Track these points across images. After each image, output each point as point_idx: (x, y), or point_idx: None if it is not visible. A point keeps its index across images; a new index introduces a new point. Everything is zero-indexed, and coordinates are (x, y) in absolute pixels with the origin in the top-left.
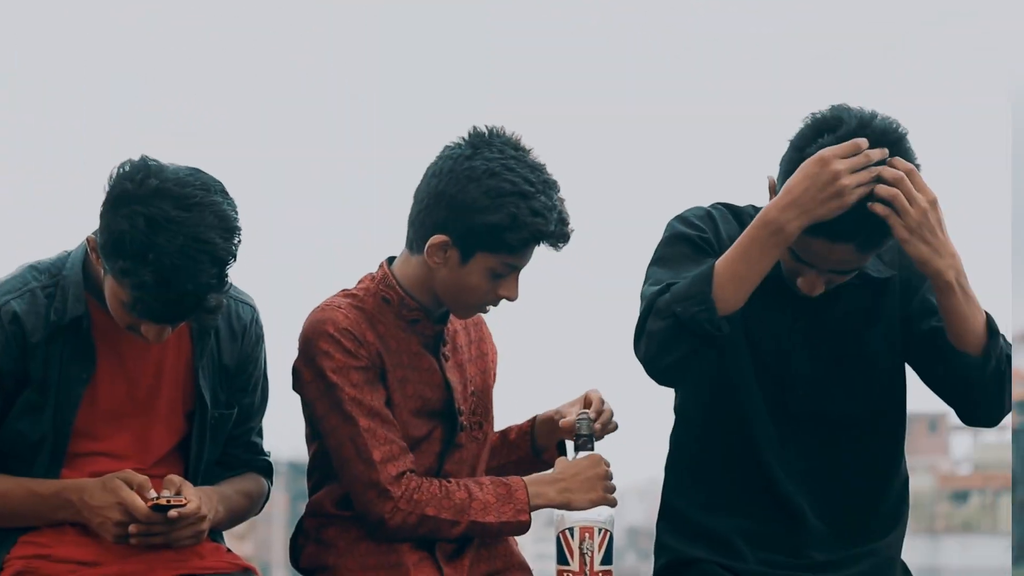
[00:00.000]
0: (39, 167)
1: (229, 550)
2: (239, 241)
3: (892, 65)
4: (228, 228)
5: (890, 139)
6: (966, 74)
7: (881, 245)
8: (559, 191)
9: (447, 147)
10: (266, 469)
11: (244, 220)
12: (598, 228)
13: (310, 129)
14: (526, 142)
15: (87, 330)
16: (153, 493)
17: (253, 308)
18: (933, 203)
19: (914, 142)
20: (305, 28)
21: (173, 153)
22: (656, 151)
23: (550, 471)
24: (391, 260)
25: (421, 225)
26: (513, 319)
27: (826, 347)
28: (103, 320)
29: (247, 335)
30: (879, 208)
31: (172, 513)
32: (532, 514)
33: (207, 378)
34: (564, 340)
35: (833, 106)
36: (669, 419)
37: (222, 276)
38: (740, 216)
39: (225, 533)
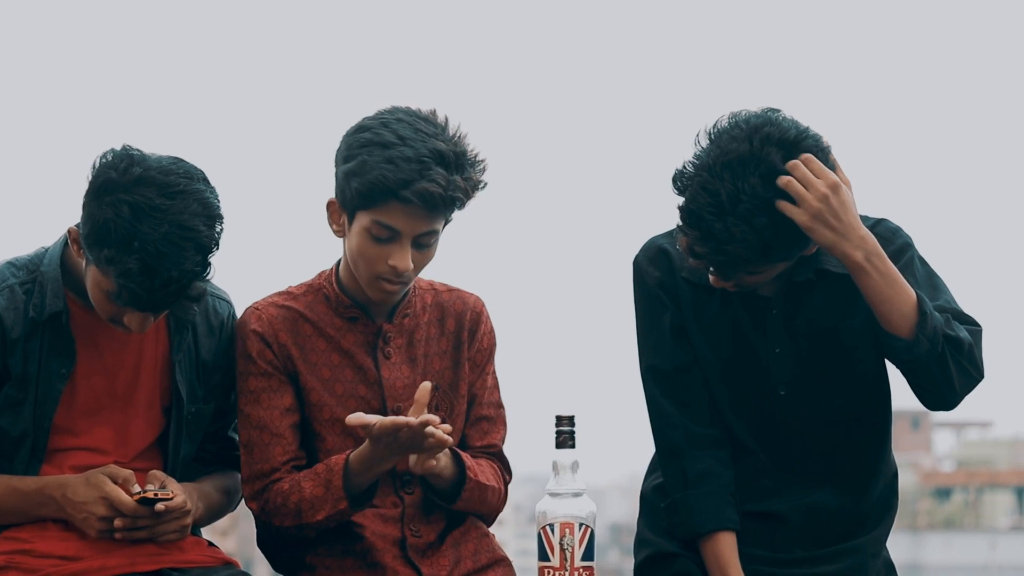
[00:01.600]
0: (12, 160)
1: (211, 543)
2: (221, 229)
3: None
4: (211, 216)
5: (787, 142)
6: None
7: (746, 263)
8: (454, 158)
9: None
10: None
11: (233, 214)
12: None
13: (309, 129)
14: (441, 114)
15: (66, 325)
16: (138, 487)
17: (229, 304)
18: (835, 187)
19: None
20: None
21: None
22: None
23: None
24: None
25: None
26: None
27: (804, 345)
28: (82, 315)
29: (224, 330)
30: (780, 204)
31: (160, 507)
32: (414, 497)
33: (184, 373)
34: (548, 336)
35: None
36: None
37: (205, 264)
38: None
39: (208, 529)
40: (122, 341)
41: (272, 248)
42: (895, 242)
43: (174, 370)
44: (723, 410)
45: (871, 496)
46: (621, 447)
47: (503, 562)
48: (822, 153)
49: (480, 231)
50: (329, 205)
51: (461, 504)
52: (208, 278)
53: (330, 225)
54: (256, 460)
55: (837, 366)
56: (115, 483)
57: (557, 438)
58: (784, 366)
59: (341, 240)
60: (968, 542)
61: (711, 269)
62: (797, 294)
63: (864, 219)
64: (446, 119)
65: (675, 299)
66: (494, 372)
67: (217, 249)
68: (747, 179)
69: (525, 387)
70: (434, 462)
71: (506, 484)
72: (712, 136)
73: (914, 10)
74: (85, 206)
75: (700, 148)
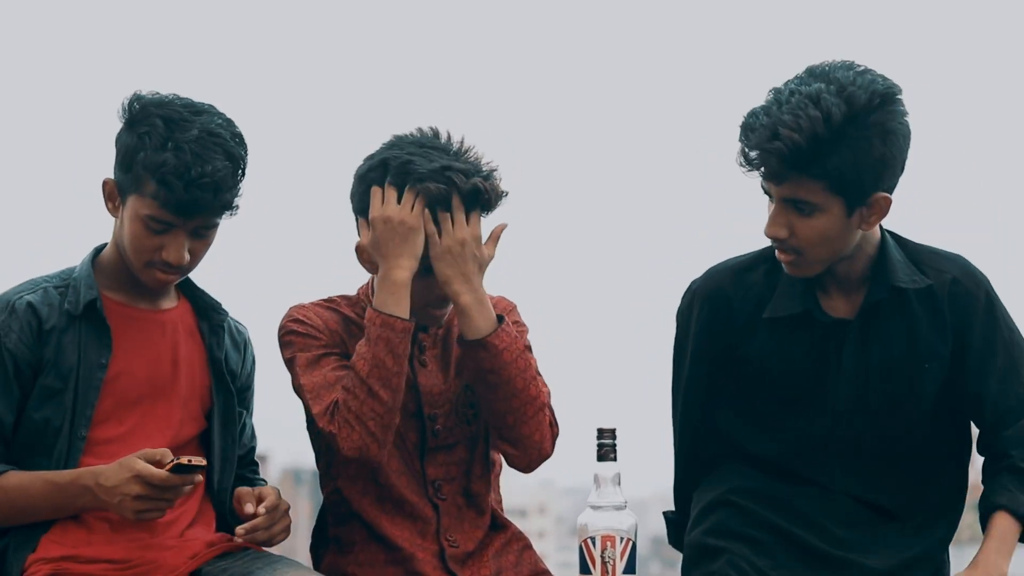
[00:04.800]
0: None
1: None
2: (245, 152)
3: None
4: (235, 133)
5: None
6: None
7: (797, 158)
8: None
9: None
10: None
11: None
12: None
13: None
14: (444, 132)
15: (101, 311)
16: (171, 457)
17: (247, 332)
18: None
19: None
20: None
21: None
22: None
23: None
24: None
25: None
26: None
27: (875, 368)
28: (118, 308)
29: (247, 350)
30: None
31: (194, 461)
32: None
33: (224, 373)
34: (591, 348)
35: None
36: None
37: (235, 173)
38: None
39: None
40: (159, 332)
41: (272, 261)
42: (978, 296)
43: (215, 369)
44: (777, 438)
45: (926, 538)
46: (663, 460)
47: (544, 575)
48: (888, 91)
49: (523, 242)
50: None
51: (494, 357)
52: (238, 192)
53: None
54: (324, 399)
55: (904, 389)
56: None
57: (599, 451)
58: (851, 389)
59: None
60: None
61: (763, 178)
62: (874, 315)
63: (936, 254)
64: (448, 135)
65: (725, 339)
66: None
67: (244, 168)
68: (810, 83)
69: (567, 400)
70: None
71: (552, 421)
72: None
73: (914, 10)
74: (119, 139)
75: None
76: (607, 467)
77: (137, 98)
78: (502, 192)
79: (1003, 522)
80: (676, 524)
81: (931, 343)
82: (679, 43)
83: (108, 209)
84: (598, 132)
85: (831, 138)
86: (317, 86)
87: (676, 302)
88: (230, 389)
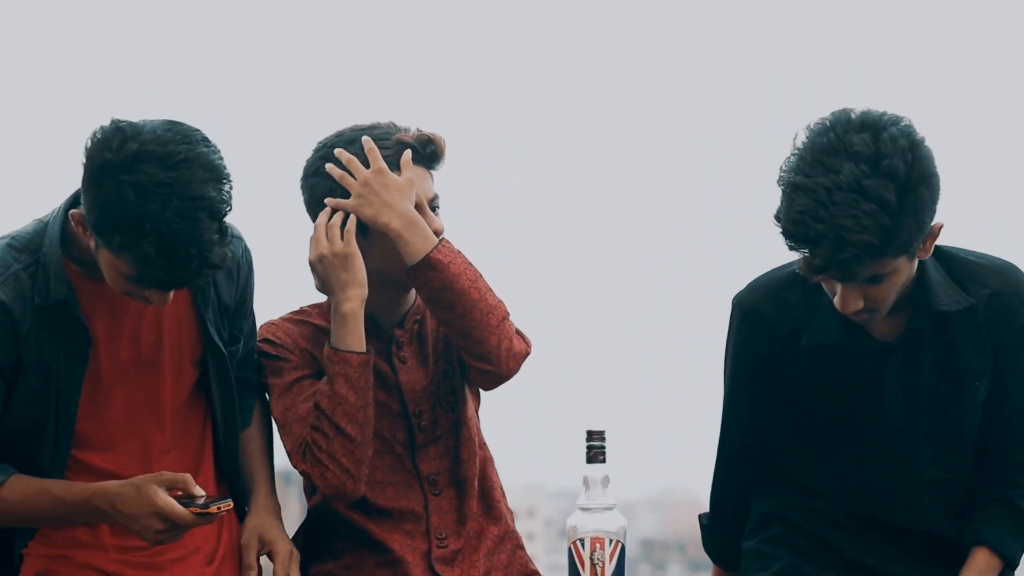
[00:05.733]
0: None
1: None
2: (231, 188)
3: None
4: (219, 178)
5: (868, 123)
6: None
7: (871, 253)
8: None
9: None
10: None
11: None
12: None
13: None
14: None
15: (74, 311)
16: (199, 490)
17: (241, 239)
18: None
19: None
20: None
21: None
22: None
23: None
24: None
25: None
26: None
27: (920, 393)
28: (92, 287)
29: (241, 270)
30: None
31: (222, 507)
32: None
33: (213, 323)
34: (579, 350)
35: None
36: (680, 432)
37: (222, 229)
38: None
39: None
40: (139, 304)
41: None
42: (1017, 309)
43: (205, 324)
44: (819, 459)
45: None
46: (652, 462)
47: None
48: (906, 135)
49: (522, 242)
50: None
51: (442, 273)
52: (227, 243)
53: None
54: (294, 434)
55: (953, 411)
56: (169, 489)
57: (588, 453)
58: (898, 414)
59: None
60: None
61: (837, 283)
62: (917, 339)
63: (979, 266)
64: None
65: (765, 354)
66: None
67: (230, 210)
68: (836, 169)
69: (556, 402)
70: None
71: (518, 332)
72: (805, 136)
73: (914, 10)
74: (85, 192)
75: (793, 149)
76: (596, 469)
77: (103, 145)
78: (384, 128)
79: (984, 559)
80: (710, 530)
81: (972, 362)
82: (680, 43)
83: (79, 233)
84: (598, 132)
85: (894, 221)
86: (317, 87)
87: (675, 303)
88: (219, 348)
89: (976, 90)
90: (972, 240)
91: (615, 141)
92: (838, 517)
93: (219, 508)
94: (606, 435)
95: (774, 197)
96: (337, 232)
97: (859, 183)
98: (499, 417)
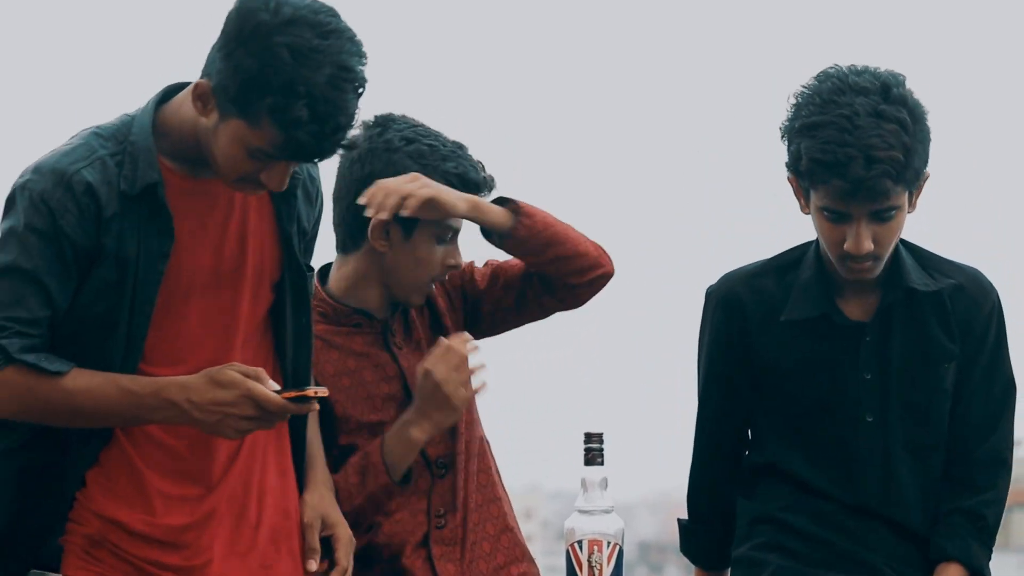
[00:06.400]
0: None
1: None
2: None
3: None
4: (361, 54)
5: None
6: None
7: (899, 169)
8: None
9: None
10: None
11: None
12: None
13: None
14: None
15: (162, 198)
16: (274, 384)
17: (319, 175)
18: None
19: (912, 84)
20: None
21: None
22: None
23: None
24: (324, 271)
25: (354, 218)
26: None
27: (894, 371)
28: (181, 184)
29: (320, 197)
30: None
31: (319, 392)
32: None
33: (296, 242)
34: (577, 353)
35: (819, 75)
36: (679, 434)
37: (358, 107)
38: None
39: None
40: (225, 213)
41: None
42: (983, 304)
43: (287, 238)
44: (799, 445)
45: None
46: (650, 464)
47: (528, 559)
48: (895, 76)
49: None
50: (376, 225)
51: (536, 227)
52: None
53: (374, 243)
54: None
55: (924, 393)
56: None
57: (586, 455)
58: (873, 393)
59: (347, 253)
60: (997, 562)
61: (851, 225)
62: (889, 317)
63: (946, 262)
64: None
65: (741, 343)
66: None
67: (364, 92)
68: (851, 102)
69: (554, 404)
70: None
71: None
72: (804, 88)
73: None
74: (229, 55)
75: (796, 101)
76: (594, 471)
77: (259, 7)
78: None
79: (953, 574)
80: (689, 532)
81: (942, 344)
82: (680, 43)
83: (195, 107)
84: (598, 132)
85: (912, 140)
86: None
87: (674, 306)
88: (301, 268)
89: (976, 90)
90: (972, 240)
91: (616, 141)
92: (827, 511)
93: (316, 392)
94: (604, 437)
95: (774, 197)
96: (469, 375)
97: (876, 109)
98: (498, 418)
